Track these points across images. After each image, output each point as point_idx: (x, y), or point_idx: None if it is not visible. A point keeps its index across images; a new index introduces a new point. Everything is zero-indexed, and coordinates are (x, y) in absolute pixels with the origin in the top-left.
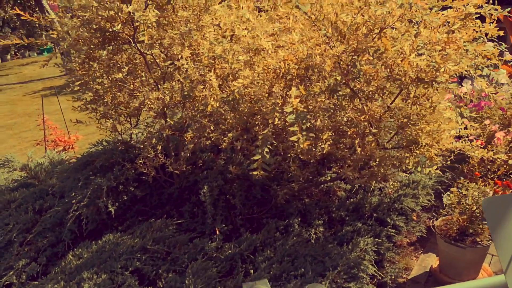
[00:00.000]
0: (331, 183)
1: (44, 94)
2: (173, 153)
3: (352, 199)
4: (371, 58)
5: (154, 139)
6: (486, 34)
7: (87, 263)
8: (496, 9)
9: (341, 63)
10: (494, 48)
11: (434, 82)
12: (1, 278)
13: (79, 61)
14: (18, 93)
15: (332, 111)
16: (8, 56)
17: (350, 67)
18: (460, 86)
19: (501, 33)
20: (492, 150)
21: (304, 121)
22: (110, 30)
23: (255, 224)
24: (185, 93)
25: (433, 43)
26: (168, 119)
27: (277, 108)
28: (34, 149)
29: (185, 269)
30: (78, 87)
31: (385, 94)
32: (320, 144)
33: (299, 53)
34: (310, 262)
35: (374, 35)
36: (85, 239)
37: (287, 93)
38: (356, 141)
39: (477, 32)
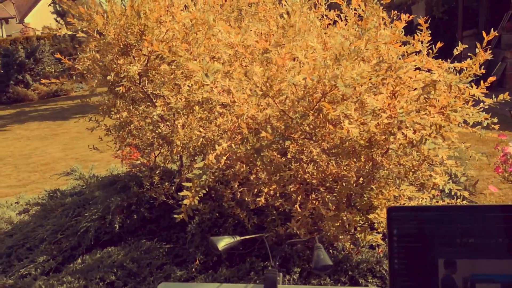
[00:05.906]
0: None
1: None
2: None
3: (344, 252)
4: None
5: (158, 169)
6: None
7: (83, 268)
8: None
9: (272, 124)
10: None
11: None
12: (23, 268)
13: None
14: None
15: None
16: None
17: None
18: None
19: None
20: None
21: (203, 177)
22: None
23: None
24: (155, 135)
25: (379, 110)
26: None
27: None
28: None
29: None
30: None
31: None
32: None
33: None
34: None
35: (319, 99)
36: (100, 247)
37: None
38: (299, 198)
39: (466, 95)
